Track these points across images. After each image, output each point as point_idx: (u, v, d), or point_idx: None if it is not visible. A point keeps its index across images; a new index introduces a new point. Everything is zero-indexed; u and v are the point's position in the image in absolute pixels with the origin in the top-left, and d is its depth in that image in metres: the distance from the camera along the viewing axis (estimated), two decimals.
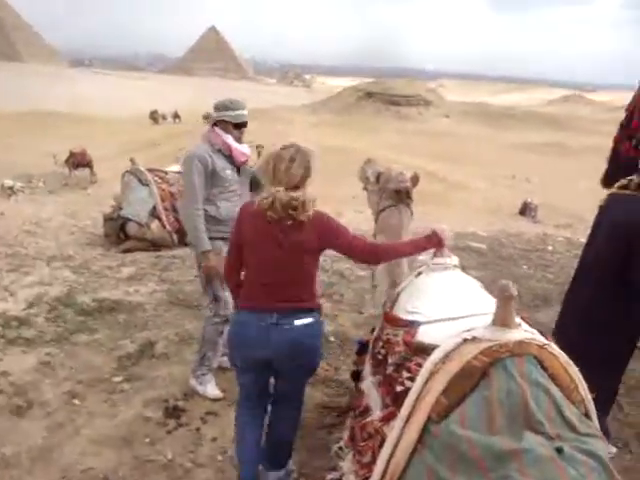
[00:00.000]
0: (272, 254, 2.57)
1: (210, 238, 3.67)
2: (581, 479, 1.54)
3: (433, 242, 2.60)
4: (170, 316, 5.16)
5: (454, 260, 2.59)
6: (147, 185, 7.79)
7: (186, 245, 7.67)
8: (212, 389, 3.87)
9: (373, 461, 1.88)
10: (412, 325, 2.08)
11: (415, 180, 3.11)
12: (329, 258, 7.49)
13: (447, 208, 16.44)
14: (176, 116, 47.82)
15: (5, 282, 5.91)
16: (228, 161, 3.75)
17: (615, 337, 3.12)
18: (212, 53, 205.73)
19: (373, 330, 2.82)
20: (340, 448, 2.26)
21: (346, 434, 2.30)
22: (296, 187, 2.53)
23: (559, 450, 1.59)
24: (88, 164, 19.85)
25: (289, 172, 2.53)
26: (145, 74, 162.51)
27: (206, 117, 47.23)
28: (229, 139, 3.74)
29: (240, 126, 3.79)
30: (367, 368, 2.38)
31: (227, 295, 3.62)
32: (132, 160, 8.42)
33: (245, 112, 3.83)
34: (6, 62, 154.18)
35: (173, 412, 3.66)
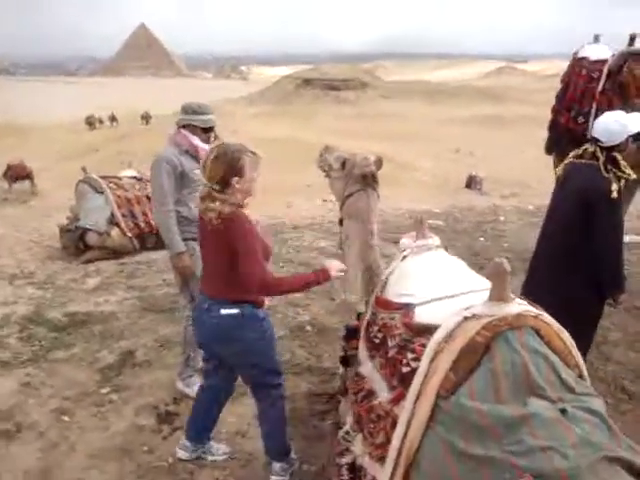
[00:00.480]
0: (201, 246, 2.89)
1: (184, 239, 3.72)
2: (587, 436, 1.66)
3: (322, 277, 2.71)
4: (145, 322, 5.14)
5: (436, 240, 2.69)
6: (102, 193, 7.66)
7: (148, 250, 7.64)
8: None
9: (387, 441, 1.96)
10: (407, 307, 2.16)
11: (379, 164, 3.21)
12: (292, 249, 7.57)
13: (398, 188, 16.66)
14: (113, 119, 46.70)
15: None
16: (196, 162, 3.75)
17: (586, 301, 3.31)
18: (143, 51, 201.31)
19: (359, 316, 2.91)
20: (347, 432, 2.33)
21: (350, 418, 2.38)
22: (221, 185, 2.62)
23: (563, 411, 1.71)
24: (28, 176, 19.14)
25: (210, 169, 2.62)
26: (75, 78, 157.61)
27: (144, 117, 46.40)
28: (195, 140, 3.79)
29: (208, 130, 3.85)
30: (362, 352, 2.45)
31: None
32: (84, 169, 8.26)
33: (213, 117, 3.90)
34: None
35: (166, 417, 3.68)
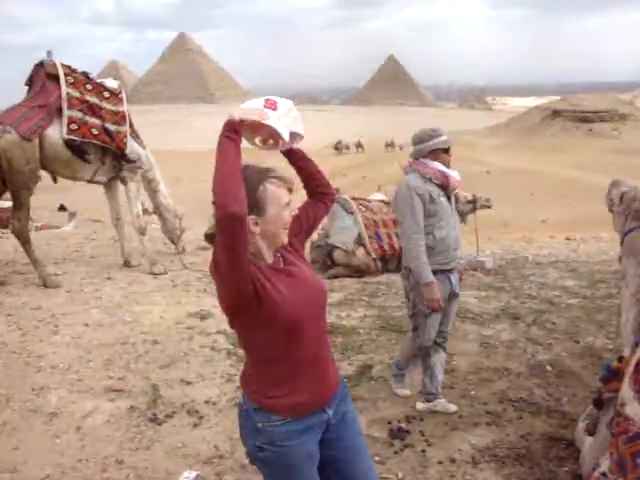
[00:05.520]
0: None
1: None
2: None
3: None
4: (383, 340, 5.33)
5: None
6: (352, 213, 8.16)
7: (389, 272, 7.93)
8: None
9: None
10: None
11: None
12: (534, 285, 7.29)
13: None
14: (359, 145, 49.28)
15: None
16: (440, 189, 3.80)
17: None
18: (392, 82, 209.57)
19: (621, 358, 2.73)
20: (604, 474, 2.22)
21: (607, 461, 2.26)
22: None
23: None
24: None
25: None
26: (327, 106, 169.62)
27: (388, 145, 48.27)
28: (439, 166, 3.80)
29: (449, 150, 3.87)
30: (628, 393, 2.31)
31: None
32: (337, 190, 8.90)
33: (450, 137, 3.93)
34: (202, 104, 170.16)
35: (398, 433, 3.78)
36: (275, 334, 1.97)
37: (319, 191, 2.26)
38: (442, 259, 3.80)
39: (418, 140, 3.86)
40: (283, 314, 1.93)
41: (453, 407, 4.04)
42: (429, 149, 3.81)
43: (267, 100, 1.99)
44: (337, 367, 2.25)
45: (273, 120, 1.95)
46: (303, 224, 2.20)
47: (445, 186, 3.83)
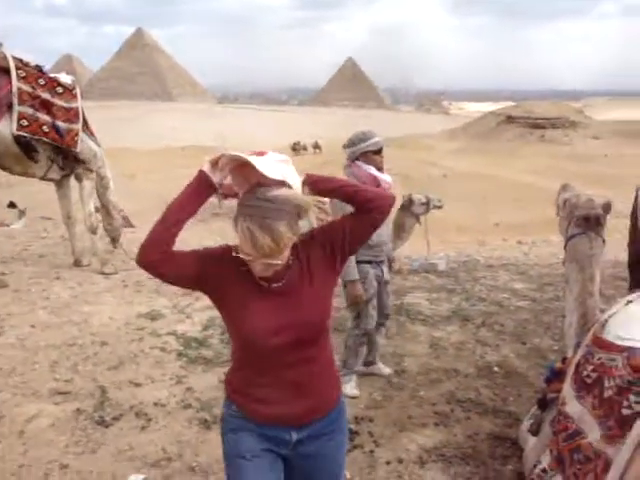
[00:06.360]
0: None
1: (358, 262, 4.07)
2: None
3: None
4: None
5: None
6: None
7: None
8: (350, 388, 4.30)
9: None
10: (631, 350, 2.14)
11: (607, 207, 3.09)
12: (484, 287, 7.43)
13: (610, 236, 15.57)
14: (316, 147, 49.34)
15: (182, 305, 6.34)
16: None
17: None
18: (350, 84, 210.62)
19: (564, 359, 2.82)
20: (544, 470, 2.30)
21: (547, 457, 2.35)
22: None
23: None
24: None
25: None
26: (286, 107, 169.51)
27: (346, 146, 48.48)
28: (371, 170, 4.03)
29: (379, 152, 4.10)
30: (569, 392, 2.40)
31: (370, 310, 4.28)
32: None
33: (380, 139, 4.16)
34: (160, 102, 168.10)
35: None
36: (234, 336, 2.00)
37: (366, 208, 1.95)
38: (376, 252, 4.20)
39: (350, 143, 4.11)
40: (238, 326, 1.92)
41: (387, 370, 4.67)
42: (360, 151, 4.05)
43: (257, 152, 1.88)
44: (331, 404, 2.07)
45: (254, 160, 1.80)
46: (336, 240, 1.96)
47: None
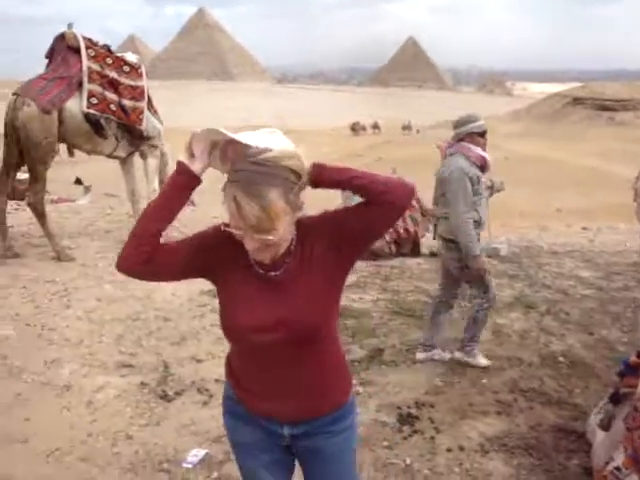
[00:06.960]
0: None
1: None
2: None
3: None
4: (395, 324, 5.31)
5: None
6: None
7: (403, 255, 7.88)
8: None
9: None
10: None
11: None
12: (548, 274, 7.22)
13: None
14: (375, 127, 49.04)
15: None
16: (481, 171, 4.21)
17: None
18: (410, 64, 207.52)
19: (639, 354, 2.70)
20: (618, 469, 2.20)
21: (621, 455, 2.24)
22: None
23: None
24: None
25: None
26: (345, 87, 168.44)
27: (405, 128, 47.95)
28: (480, 150, 4.18)
29: (484, 134, 4.23)
30: None
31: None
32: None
33: (484, 121, 4.31)
34: (219, 81, 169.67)
35: (407, 419, 3.77)
36: (221, 326, 1.82)
37: (383, 200, 1.64)
38: (480, 231, 4.30)
39: (458, 124, 4.25)
40: (223, 318, 1.78)
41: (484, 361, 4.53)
42: (467, 132, 4.19)
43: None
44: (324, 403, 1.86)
45: (230, 132, 1.60)
46: (344, 231, 1.68)
47: (483, 168, 4.23)
